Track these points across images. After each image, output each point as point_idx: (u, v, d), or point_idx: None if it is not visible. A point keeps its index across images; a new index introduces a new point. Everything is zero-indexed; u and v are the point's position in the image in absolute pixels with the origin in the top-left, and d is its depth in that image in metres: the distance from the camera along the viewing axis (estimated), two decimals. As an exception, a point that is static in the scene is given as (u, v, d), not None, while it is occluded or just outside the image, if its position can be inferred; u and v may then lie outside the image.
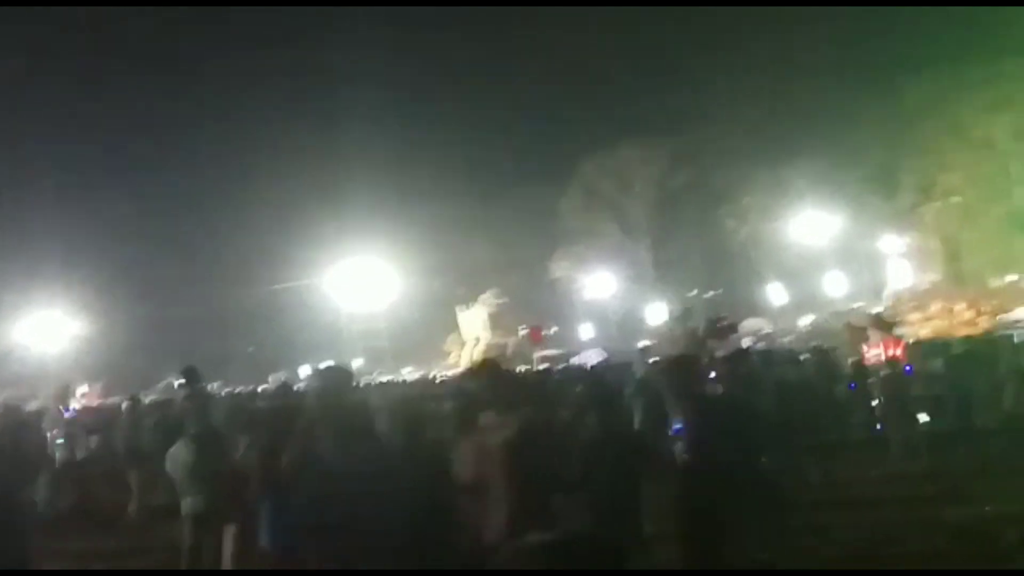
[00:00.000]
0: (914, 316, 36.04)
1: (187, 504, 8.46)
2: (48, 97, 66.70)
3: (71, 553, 10.91)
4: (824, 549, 8.97)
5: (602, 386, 7.10)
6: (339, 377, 5.78)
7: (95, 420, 19.79)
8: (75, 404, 29.53)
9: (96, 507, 14.10)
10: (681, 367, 7.28)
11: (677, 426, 8.98)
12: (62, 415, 17.61)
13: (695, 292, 53.95)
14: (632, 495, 6.49)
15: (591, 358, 31.43)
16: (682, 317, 11.82)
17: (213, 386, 34.52)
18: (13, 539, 6.10)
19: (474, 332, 49.06)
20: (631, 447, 6.50)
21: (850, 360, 17.62)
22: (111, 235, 54.90)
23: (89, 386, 46.40)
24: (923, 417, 14.41)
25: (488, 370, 6.11)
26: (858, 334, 24.06)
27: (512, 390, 5.94)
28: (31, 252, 49.05)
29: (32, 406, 33.70)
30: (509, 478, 5.34)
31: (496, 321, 49.05)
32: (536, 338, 41.45)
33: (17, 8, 54.67)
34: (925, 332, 31.58)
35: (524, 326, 47.15)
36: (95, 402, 35.95)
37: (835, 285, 51.21)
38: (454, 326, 51.18)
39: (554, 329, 47.13)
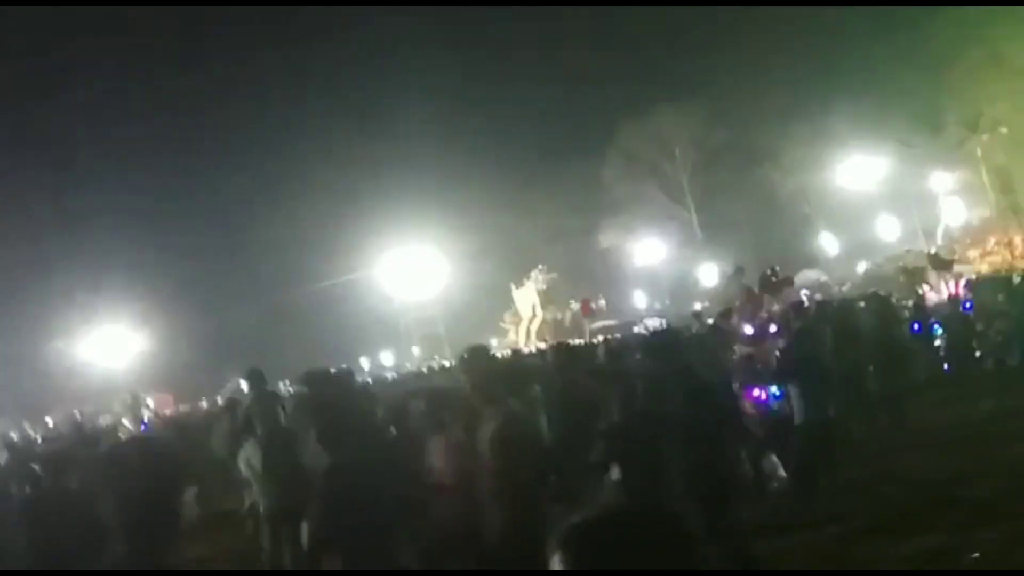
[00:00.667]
0: (971, 253, 35.50)
1: (263, 505, 8.63)
2: (102, 110, 67.68)
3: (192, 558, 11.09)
4: (898, 494, 8.94)
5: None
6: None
7: (175, 429, 20.13)
8: (148, 416, 30.11)
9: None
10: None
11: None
12: (138, 428, 17.91)
13: (745, 250, 53.46)
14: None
15: (650, 326, 31.33)
16: (735, 275, 11.71)
17: (279, 386, 35.00)
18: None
19: (528, 309, 49.18)
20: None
21: (911, 302, 17.45)
22: (168, 245, 55.92)
23: (160, 396, 47.28)
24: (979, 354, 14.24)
25: (475, 361, 6.03)
26: (915, 276, 23.87)
27: (497, 382, 5.87)
28: (93, 268, 50.16)
29: (103, 420, 34.51)
30: (495, 475, 5.36)
31: (548, 296, 49.11)
32: (586, 311, 41.36)
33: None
34: (984, 268, 31.10)
35: (574, 300, 47.10)
36: (169, 411, 36.62)
37: (888, 229, 50.38)
38: (506, 306, 51.32)
39: (602, 301, 46.90)
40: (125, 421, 21.71)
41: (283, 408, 10.14)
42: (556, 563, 1.57)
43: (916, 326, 15.54)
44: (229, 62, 71.32)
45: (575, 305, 46.45)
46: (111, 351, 51.58)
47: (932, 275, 20.55)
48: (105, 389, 49.38)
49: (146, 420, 18.42)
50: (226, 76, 70.57)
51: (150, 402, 42.70)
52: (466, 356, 6.12)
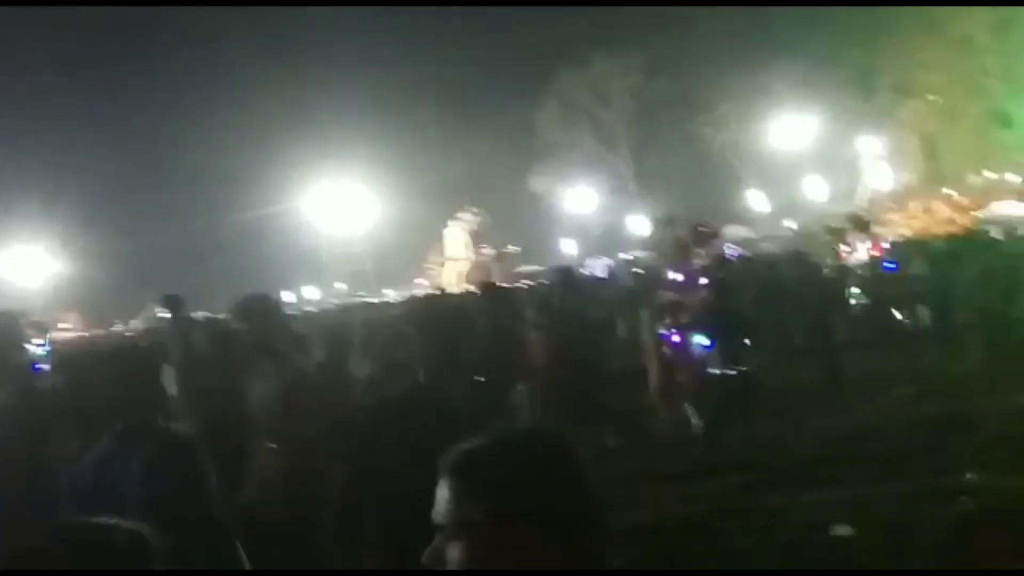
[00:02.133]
0: (894, 216, 36.22)
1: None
2: (24, 26, 65.10)
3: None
4: (805, 447, 9.14)
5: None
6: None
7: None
8: (56, 337, 29.50)
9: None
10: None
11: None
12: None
13: (676, 203, 53.91)
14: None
15: (597, 268, 31.34)
16: (668, 225, 11.80)
17: (196, 315, 34.50)
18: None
19: (459, 250, 49.01)
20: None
21: (829, 261, 17.77)
22: (89, 169, 54.27)
23: (67, 318, 46.40)
24: (898, 315, 14.58)
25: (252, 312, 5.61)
26: (837, 235, 24.28)
27: (279, 335, 5.63)
28: (9, 187, 48.63)
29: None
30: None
31: (477, 239, 48.99)
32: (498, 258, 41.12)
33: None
34: (905, 232, 31.75)
35: (483, 246, 46.93)
36: (76, 334, 35.88)
37: (815, 189, 51.15)
38: (435, 246, 51.06)
39: (514, 248, 46.77)
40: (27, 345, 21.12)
41: (200, 336, 9.97)
42: (443, 489, 1.52)
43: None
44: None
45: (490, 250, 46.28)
46: (26, 272, 50.43)
47: (852, 235, 20.87)
48: (19, 309, 48.29)
49: (44, 342, 18.07)
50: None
51: (61, 325, 42.03)
52: (241, 305, 5.67)
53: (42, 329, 21.67)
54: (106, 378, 4.43)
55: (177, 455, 4.01)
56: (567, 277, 10.77)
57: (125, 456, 3.85)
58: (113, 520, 1.52)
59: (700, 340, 9.35)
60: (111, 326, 39.99)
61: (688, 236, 10.73)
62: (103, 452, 4.03)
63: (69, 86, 66.75)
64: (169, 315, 9.97)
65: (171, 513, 3.28)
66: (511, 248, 46.42)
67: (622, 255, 36.76)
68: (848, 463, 8.27)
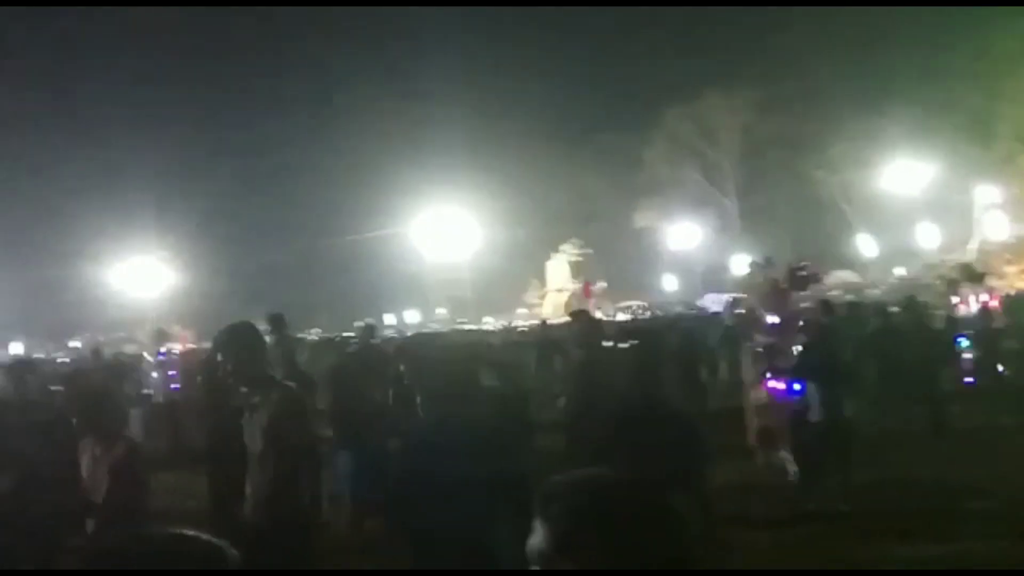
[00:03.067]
0: (1009, 269, 35.09)
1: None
2: (140, 48, 68.09)
3: (165, 488, 11.35)
4: (907, 499, 8.91)
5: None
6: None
7: (186, 363, 20.39)
8: (172, 347, 30.54)
9: (189, 446, 14.62)
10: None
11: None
12: (156, 358, 18.22)
13: (782, 244, 53.11)
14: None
15: (712, 304, 30.99)
16: (763, 266, 11.66)
17: (302, 333, 35.39)
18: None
19: (558, 281, 49.22)
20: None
21: (944, 313, 17.31)
22: (204, 184, 56.14)
23: (182, 331, 47.90)
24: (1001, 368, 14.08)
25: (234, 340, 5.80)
26: (950, 285, 23.67)
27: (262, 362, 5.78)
28: (127, 199, 50.55)
29: (129, 349, 35.07)
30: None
31: (578, 270, 49.09)
32: (587, 293, 41.01)
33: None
34: (1021, 285, 30.74)
35: (575, 280, 46.74)
36: (187, 347, 37.03)
37: (927, 236, 49.69)
38: (537, 275, 51.34)
39: (603, 283, 46.47)
40: (145, 354, 22.07)
41: (301, 354, 10.28)
42: (537, 518, 1.54)
43: (959, 338, 15.34)
44: (278, 11, 71.35)
45: (576, 286, 46.14)
46: (142, 282, 52.25)
47: (965, 287, 20.35)
48: (135, 319, 50.27)
49: (163, 351, 18.80)
50: (275, 22, 70.73)
51: (174, 336, 43.46)
52: (224, 334, 5.78)
53: (164, 337, 22.59)
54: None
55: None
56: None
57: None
58: (194, 533, 1.59)
59: (796, 385, 9.22)
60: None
61: (786, 278, 10.57)
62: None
63: (188, 103, 69.27)
64: (272, 333, 10.22)
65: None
66: (601, 285, 46.33)
67: (723, 295, 36.40)
68: (948, 518, 8.01)
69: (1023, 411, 12.54)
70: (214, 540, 1.56)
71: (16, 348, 46.03)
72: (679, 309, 37.67)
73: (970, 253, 39.43)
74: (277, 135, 63.03)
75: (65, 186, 51.50)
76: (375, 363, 10.30)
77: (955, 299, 19.31)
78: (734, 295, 20.86)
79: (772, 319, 10.16)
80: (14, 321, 51.07)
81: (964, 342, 15.32)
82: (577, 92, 58.77)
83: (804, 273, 10.59)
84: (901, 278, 42.77)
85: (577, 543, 1.49)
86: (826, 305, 12.02)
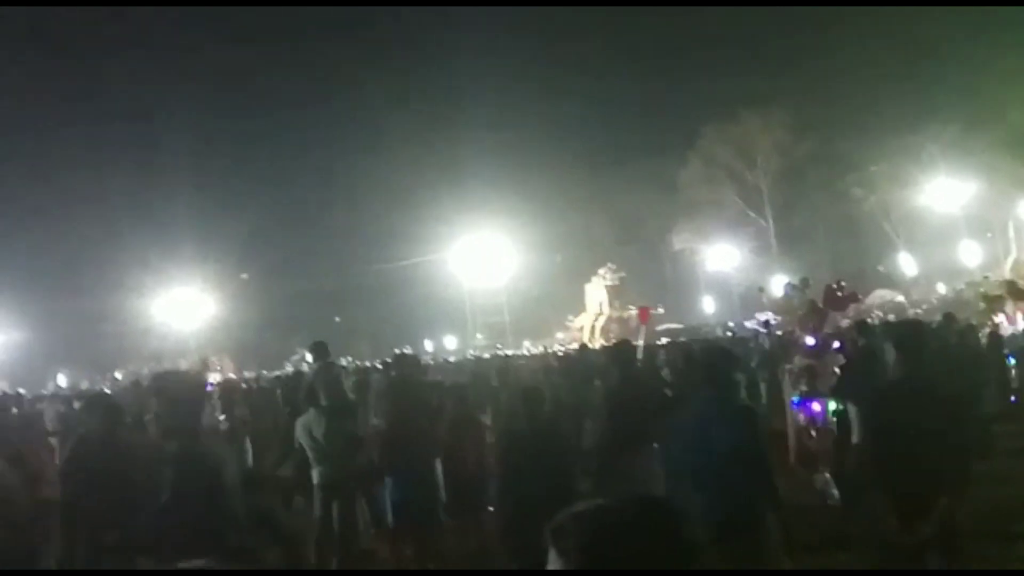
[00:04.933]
0: (1055, 286, 34.47)
1: (317, 474, 8.81)
2: (179, 78, 69.31)
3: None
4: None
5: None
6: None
7: (229, 393, 20.60)
8: (215, 377, 30.93)
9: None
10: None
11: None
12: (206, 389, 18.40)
13: (821, 264, 52.71)
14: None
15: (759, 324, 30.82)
16: (799, 287, 11.54)
17: (343, 360, 35.67)
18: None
19: (596, 305, 49.15)
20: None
21: (986, 330, 17.08)
22: (242, 216, 56.80)
23: (222, 360, 48.46)
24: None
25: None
26: (995, 303, 23.32)
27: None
28: (168, 231, 51.28)
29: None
30: None
31: (615, 294, 48.98)
32: (644, 318, 40.61)
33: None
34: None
35: (632, 305, 46.69)
36: (229, 375, 37.45)
37: (969, 254, 49.06)
38: (573, 300, 51.27)
39: (660, 309, 46.39)
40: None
41: (345, 381, 10.41)
42: (551, 551, 1.54)
43: (1011, 356, 15.12)
44: (311, 39, 72.38)
45: (632, 311, 46.04)
46: (183, 313, 52.83)
47: (1009, 304, 20.06)
48: (177, 350, 50.88)
49: (211, 382, 19.02)
50: (316, 54, 71.61)
51: (217, 366, 43.96)
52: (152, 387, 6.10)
53: (207, 367, 22.98)
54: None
55: None
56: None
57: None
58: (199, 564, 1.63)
59: (833, 406, 9.16)
60: (263, 370, 41.52)
61: (823, 299, 10.52)
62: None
63: (230, 135, 70.47)
64: (314, 360, 10.40)
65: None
66: (659, 310, 46.11)
67: (761, 316, 36.13)
68: (992, 540, 7.89)
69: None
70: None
71: (61, 379, 46.77)
72: (719, 332, 37.46)
73: (1014, 270, 38.77)
74: (316, 164, 63.96)
75: (108, 219, 52.36)
76: (415, 391, 10.37)
77: (998, 317, 19.04)
78: (771, 316, 20.71)
79: (810, 340, 10.12)
80: (59, 352, 51.90)
81: (1012, 360, 15.14)
82: (613, 116, 59.12)
83: (842, 293, 10.51)
84: (943, 296, 42.23)
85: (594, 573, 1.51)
86: (862, 325, 11.95)
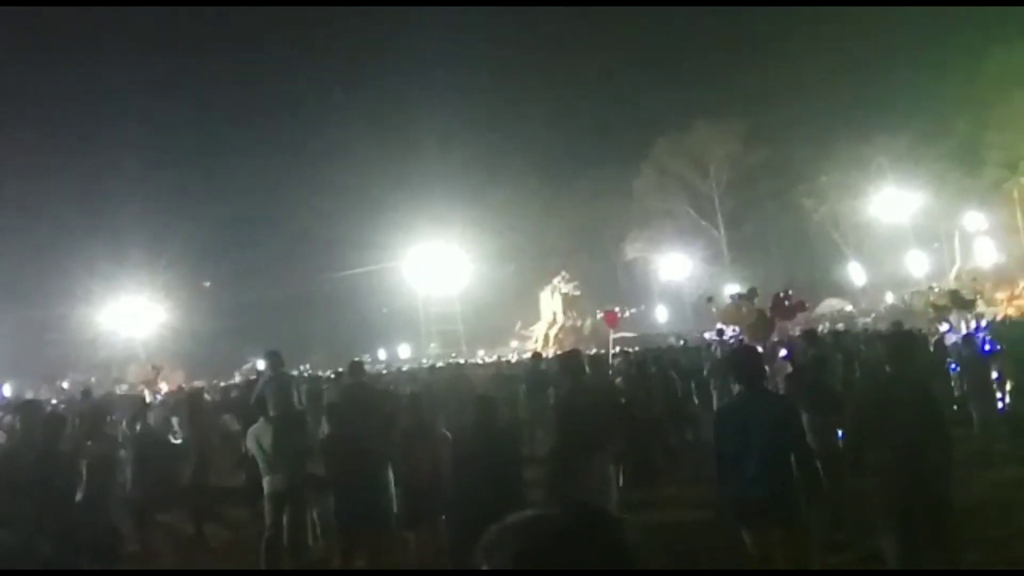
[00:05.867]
0: (999, 295, 35.24)
1: (267, 483, 8.75)
2: (129, 84, 68.51)
3: (157, 529, 11.38)
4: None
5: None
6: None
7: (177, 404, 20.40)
8: (163, 388, 30.56)
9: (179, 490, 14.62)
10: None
11: None
12: (156, 399, 18.20)
13: (772, 273, 53.29)
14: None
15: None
16: (748, 296, 11.64)
17: (298, 370, 35.42)
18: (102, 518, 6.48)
19: (550, 314, 49.30)
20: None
21: (932, 339, 17.36)
22: (193, 223, 56.19)
23: (172, 371, 47.80)
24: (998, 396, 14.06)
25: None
26: (940, 312, 23.77)
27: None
28: (116, 238, 50.52)
29: (120, 390, 34.95)
30: None
31: (570, 303, 49.18)
32: (611, 321, 40.96)
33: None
34: (1011, 311, 30.87)
35: (600, 309, 46.99)
36: (176, 387, 36.95)
37: (916, 264, 49.93)
38: (528, 309, 51.37)
39: (629, 311, 46.71)
40: (145, 392, 22.11)
41: (297, 390, 10.33)
42: (484, 565, 1.50)
43: (954, 367, 15.36)
44: (263, 43, 71.93)
45: (600, 315, 46.25)
46: (132, 321, 52.09)
47: (954, 314, 20.44)
48: (126, 359, 50.10)
49: (161, 393, 18.82)
50: (265, 62, 71.24)
51: (166, 377, 43.35)
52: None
53: (159, 378, 22.64)
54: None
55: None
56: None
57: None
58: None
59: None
60: (213, 379, 41.01)
61: (770, 308, 10.65)
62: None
63: (180, 143, 69.73)
64: (268, 369, 10.30)
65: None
66: (625, 314, 46.31)
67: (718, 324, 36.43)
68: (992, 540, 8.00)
69: (1012, 440, 12.56)
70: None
71: (7, 389, 45.85)
72: (671, 340, 37.72)
73: (959, 279, 39.50)
74: (270, 172, 63.34)
75: (55, 226, 51.58)
76: (366, 399, 10.33)
77: (943, 326, 19.37)
78: (726, 326, 20.92)
79: (758, 348, 10.22)
80: (4, 362, 50.88)
81: (955, 369, 15.37)
82: (567, 126, 59.27)
83: (789, 302, 10.64)
84: (891, 306, 42.92)
85: None
86: (810, 334, 12.10)
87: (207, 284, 55.06)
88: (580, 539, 1.49)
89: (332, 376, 16.77)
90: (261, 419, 9.05)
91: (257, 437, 8.85)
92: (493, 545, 1.49)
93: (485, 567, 1.49)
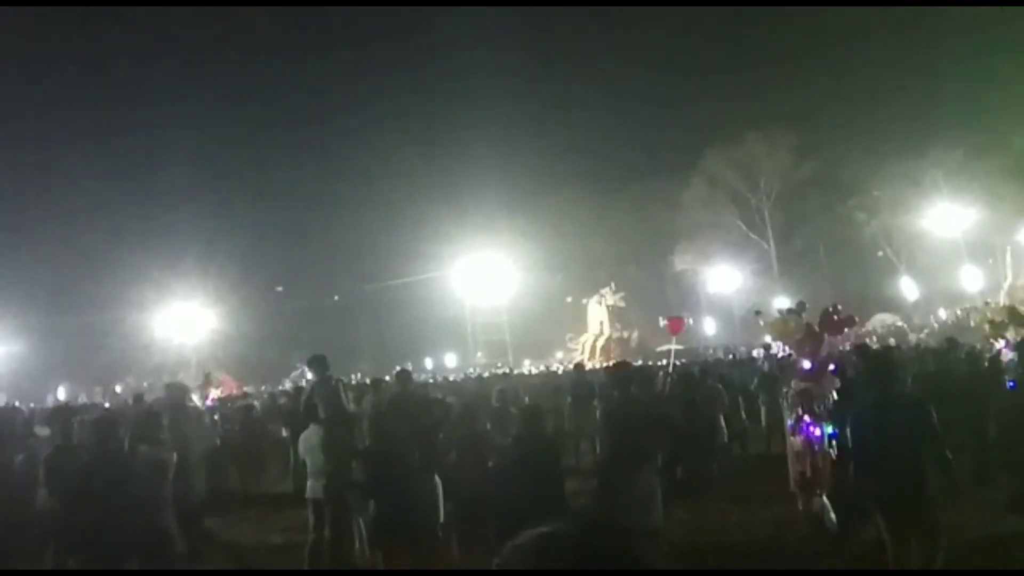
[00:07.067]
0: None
1: (310, 488, 8.82)
2: (181, 95, 69.62)
3: (207, 533, 11.55)
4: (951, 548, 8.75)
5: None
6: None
7: (231, 409, 20.67)
8: (215, 393, 30.93)
9: (231, 490, 14.85)
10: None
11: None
12: (206, 404, 18.44)
13: (822, 287, 52.66)
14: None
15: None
16: (796, 310, 11.47)
17: (350, 376, 35.70)
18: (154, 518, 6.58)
19: (596, 325, 49.21)
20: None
21: (988, 355, 17.05)
22: (245, 231, 57.01)
23: (225, 376, 48.40)
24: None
25: None
26: (997, 329, 23.34)
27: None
28: (169, 246, 51.36)
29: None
30: None
31: (616, 314, 49.04)
32: (676, 328, 40.19)
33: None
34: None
35: (664, 316, 46.65)
36: (232, 392, 37.39)
37: (970, 279, 49.04)
38: (574, 319, 51.30)
39: (690, 320, 46.26)
40: (195, 397, 22.44)
41: (346, 394, 10.40)
42: None
43: (1012, 384, 15.05)
44: (315, 56, 72.66)
45: (663, 322, 45.70)
46: (185, 327, 52.78)
47: (1011, 330, 20.07)
48: (178, 364, 50.84)
49: (211, 400, 19.04)
50: (317, 72, 71.95)
51: (218, 382, 43.92)
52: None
53: (209, 383, 22.91)
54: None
55: None
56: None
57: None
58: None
59: (828, 430, 9.14)
60: (263, 385, 41.47)
61: (819, 322, 10.50)
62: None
63: (233, 152, 70.70)
64: (313, 375, 10.36)
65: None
66: (690, 321, 46.05)
67: (766, 338, 36.07)
68: (993, 565, 7.84)
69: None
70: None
71: (61, 392, 46.74)
72: (719, 354, 37.48)
73: (1007, 295, 38.74)
74: (319, 182, 64.09)
75: (110, 234, 52.49)
76: (411, 407, 10.38)
77: (999, 343, 19.02)
78: (772, 341, 20.71)
79: (806, 364, 10.10)
80: (60, 366, 51.84)
81: (1012, 386, 15.07)
82: (617, 136, 59.30)
83: (838, 317, 10.48)
84: (944, 321, 42.22)
85: None
86: (862, 349, 11.93)
87: (280, 289, 55.85)
88: (594, 556, 1.48)
89: (368, 383, 16.72)
90: (312, 424, 9.15)
91: (306, 441, 8.96)
92: (507, 562, 1.49)
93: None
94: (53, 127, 60.68)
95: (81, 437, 8.09)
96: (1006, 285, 43.89)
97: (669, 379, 14.43)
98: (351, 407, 10.42)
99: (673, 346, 19.76)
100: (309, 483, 8.82)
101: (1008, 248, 46.48)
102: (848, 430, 7.00)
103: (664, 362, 24.87)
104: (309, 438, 8.95)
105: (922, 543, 6.38)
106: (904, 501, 6.38)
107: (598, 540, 1.51)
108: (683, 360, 29.43)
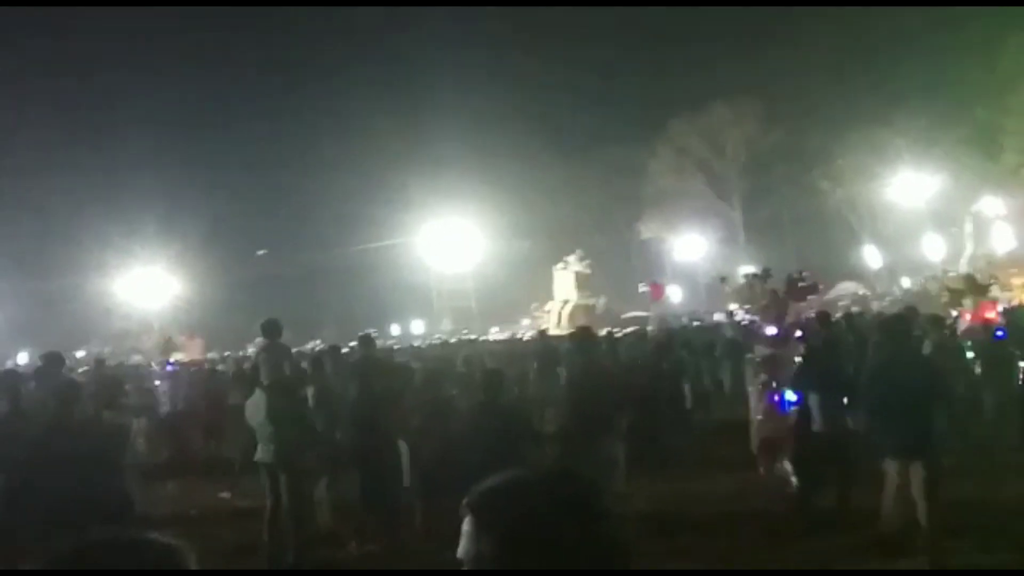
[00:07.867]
0: (1016, 280, 34.95)
1: (261, 451, 8.74)
2: (145, 53, 68.54)
3: (167, 497, 11.49)
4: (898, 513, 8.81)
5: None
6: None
7: (193, 374, 20.52)
8: (177, 358, 30.69)
9: (193, 455, 14.78)
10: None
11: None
12: (164, 369, 18.26)
13: (787, 255, 53.03)
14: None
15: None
16: (761, 276, 11.52)
17: (312, 342, 35.53)
18: (115, 483, 6.49)
19: (563, 293, 49.19)
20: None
21: (947, 322, 17.21)
22: (209, 195, 56.29)
23: (192, 341, 48.06)
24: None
25: None
26: (956, 296, 23.60)
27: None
28: (131, 209, 50.65)
29: (135, 360, 35.15)
30: None
31: (583, 281, 49.06)
32: (657, 294, 40.42)
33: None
34: (1024, 297, 30.60)
35: (643, 282, 46.82)
36: (195, 357, 37.15)
37: (933, 248, 49.53)
38: (541, 287, 51.30)
39: (672, 286, 46.38)
40: (153, 363, 22.29)
41: (291, 359, 10.28)
42: (464, 524, 1.53)
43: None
44: (280, 20, 71.71)
45: (644, 287, 45.87)
46: (147, 292, 52.29)
47: (968, 298, 20.29)
48: (141, 329, 50.42)
49: (172, 362, 18.87)
50: (281, 35, 71.05)
51: (181, 346, 43.61)
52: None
53: (171, 348, 22.77)
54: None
55: None
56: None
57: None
58: (151, 535, 1.56)
59: (790, 396, 9.17)
60: (226, 351, 41.14)
61: (785, 289, 10.53)
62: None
63: (195, 115, 69.73)
64: (264, 339, 10.14)
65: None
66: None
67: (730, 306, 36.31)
68: (947, 533, 7.88)
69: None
70: (170, 542, 1.54)
71: (23, 357, 46.18)
72: (684, 320, 37.67)
73: (975, 264, 39.16)
74: (283, 146, 63.34)
75: (71, 197, 51.64)
76: (374, 373, 10.29)
77: (960, 310, 19.23)
78: (737, 307, 20.82)
79: (772, 330, 10.13)
80: (21, 331, 51.20)
81: (970, 355, 15.24)
82: (582, 104, 58.93)
83: (803, 284, 10.53)
84: (907, 290, 42.66)
85: (519, 545, 1.48)
86: (824, 316, 11.99)
87: (262, 252, 55.41)
88: (563, 501, 1.51)
89: (326, 349, 16.38)
90: (256, 390, 9.06)
91: (252, 406, 8.88)
92: (483, 503, 1.53)
93: (472, 524, 1.52)
94: (9, 91, 59.30)
95: (30, 403, 7.98)
96: (967, 254, 44.40)
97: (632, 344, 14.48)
98: (296, 372, 10.25)
99: (635, 313, 19.84)
100: (259, 447, 8.73)
101: (969, 217, 46.97)
102: (866, 382, 7.78)
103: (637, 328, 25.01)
104: (255, 403, 8.87)
105: (926, 481, 7.02)
106: (913, 446, 7.07)
107: (566, 486, 1.54)
108: (649, 327, 29.57)
